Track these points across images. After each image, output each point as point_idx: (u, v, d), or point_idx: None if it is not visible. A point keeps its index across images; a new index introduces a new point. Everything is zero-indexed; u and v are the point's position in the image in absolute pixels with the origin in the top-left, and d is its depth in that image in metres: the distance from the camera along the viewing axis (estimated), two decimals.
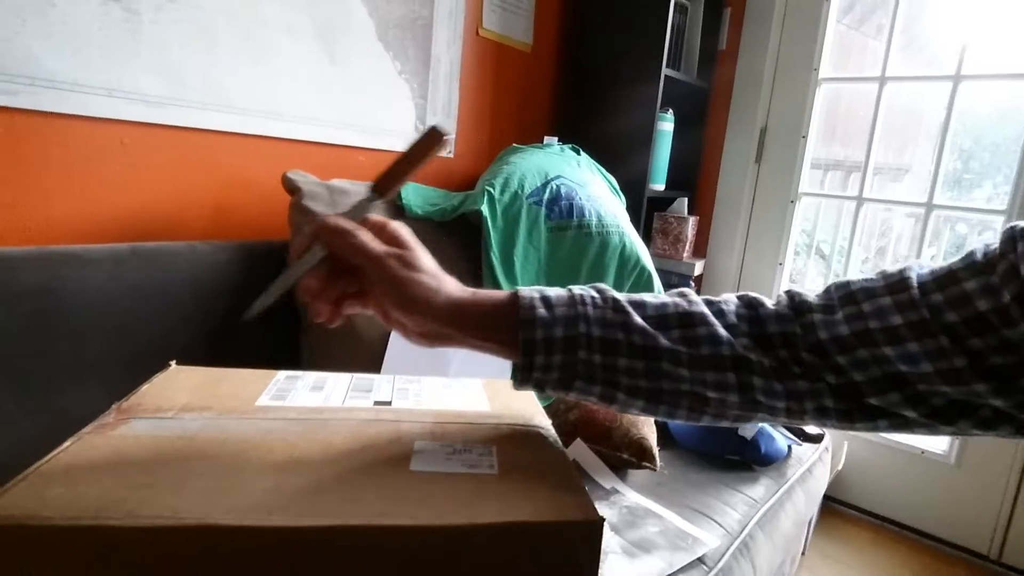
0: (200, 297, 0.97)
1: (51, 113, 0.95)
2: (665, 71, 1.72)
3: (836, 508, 1.94)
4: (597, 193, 1.33)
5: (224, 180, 1.19)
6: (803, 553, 1.63)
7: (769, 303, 0.52)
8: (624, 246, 1.27)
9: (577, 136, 1.63)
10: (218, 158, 1.18)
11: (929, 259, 1.85)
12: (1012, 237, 0.44)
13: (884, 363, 0.46)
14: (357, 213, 0.49)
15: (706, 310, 0.50)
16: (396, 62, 1.45)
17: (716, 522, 1.01)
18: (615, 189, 1.49)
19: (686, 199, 1.97)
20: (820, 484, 1.36)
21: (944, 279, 0.46)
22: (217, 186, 1.19)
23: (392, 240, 0.48)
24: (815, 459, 1.35)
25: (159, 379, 0.56)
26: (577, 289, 0.51)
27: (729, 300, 0.52)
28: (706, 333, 0.49)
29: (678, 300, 0.51)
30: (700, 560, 0.91)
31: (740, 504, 1.09)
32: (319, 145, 1.33)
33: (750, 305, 0.52)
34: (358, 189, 1.16)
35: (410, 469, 0.43)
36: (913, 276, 0.47)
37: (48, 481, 0.37)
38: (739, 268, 2.07)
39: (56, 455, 0.40)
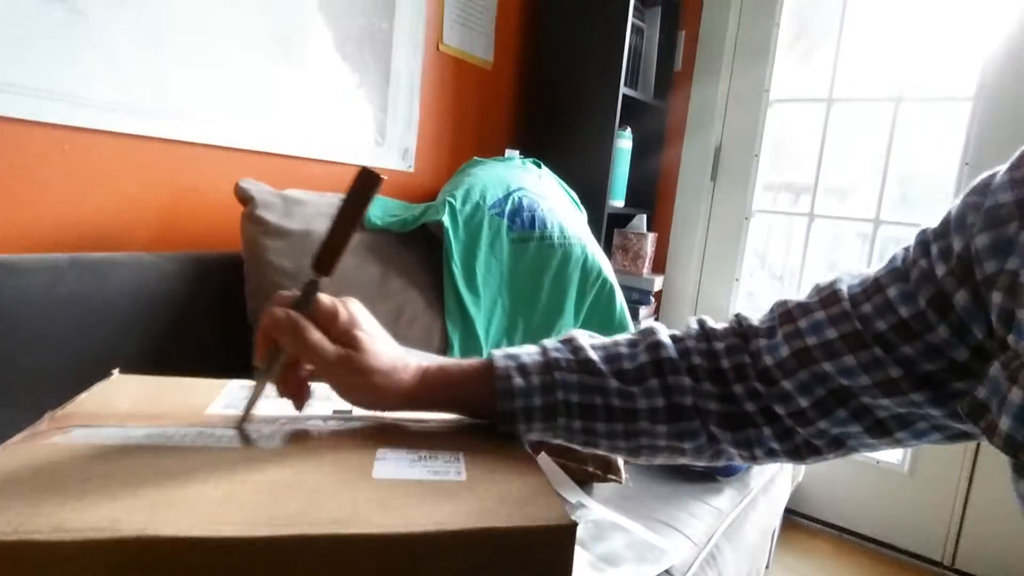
0: (145, 310, 0.93)
1: None
2: (623, 90, 1.75)
3: (797, 521, 1.96)
4: (559, 205, 1.33)
5: (174, 190, 1.15)
6: (767, 567, 1.63)
7: (720, 333, 0.53)
8: (586, 258, 1.27)
9: (538, 152, 1.64)
10: (167, 167, 1.13)
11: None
12: (924, 241, 0.46)
13: (826, 380, 0.47)
14: (305, 299, 0.46)
15: (674, 354, 0.51)
16: (355, 74, 1.43)
17: (682, 533, 1.00)
18: (576, 203, 1.50)
19: (645, 216, 2.00)
20: (783, 494, 1.37)
21: (870, 288, 0.47)
22: (166, 196, 1.14)
23: (342, 337, 0.47)
24: (777, 469, 1.36)
25: (100, 387, 0.52)
26: (552, 351, 0.51)
27: (689, 333, 0.54)
28: (675, 384, 0.50)
29: (647, 348, 0.52)
30: (667, 572, 0.89)
31: (706, 515, 1.08)
32: (274, 156, 1.30)
33: (706, 338, 0.53)
34: (314, 199, 1.13)
35: (372, 477, 0.41)
36: (844, 288, 0.48)
37: None
38: (697, 284, 2.10)
39: None
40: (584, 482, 1.08)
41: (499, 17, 1.81)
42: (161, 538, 0.32)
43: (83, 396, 0.49)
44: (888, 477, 1.83)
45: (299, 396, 0.48)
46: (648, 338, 0.53)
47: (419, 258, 1.18)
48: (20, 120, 0.93)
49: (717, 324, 0.54)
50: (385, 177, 0.47)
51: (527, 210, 1.25)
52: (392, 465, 0.43)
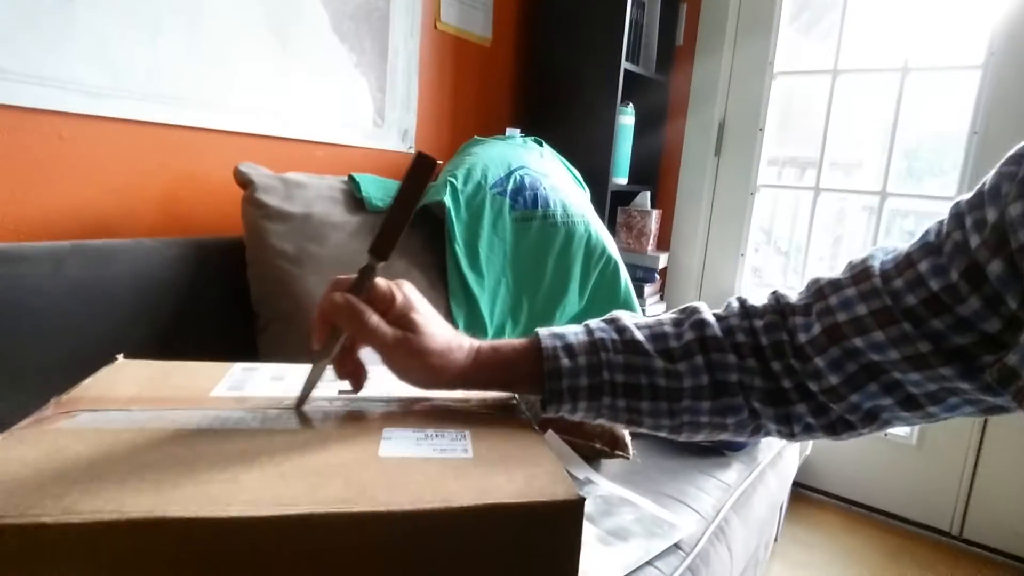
0: (147, 296, 0.92)
1: None
2: (624, 65, 1.72)
3: (805, 494, 1.97)
4: (561, 183, 1.31)
5: (173, 175, 1.14)
6: (776, 539, 1.65)
7: (759, 311, 0.54)
8: (590, 236, 1.27)
9: (539, 130, 1.62)
10: (166, 152, 1.12)
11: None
12: (958, 213, 0.45)
13: (857, 355, 0.47)
14: (362, 283, 0.47)
15: (718, 332, 0.52)
16: (352, 54, 1.42)
17: (691, 508, 1.01)
18: (579, 180, 1.48)
19: (649, 193, 1.98)
20: (791, 467, 1.38)
21: (902, 263, 0.47)
22: (166, 181, 1.13)
23: (399, 320, 0.47)
24: (785, 443, 1.36)
25: (104, 372, 0.52)
26: (597, 331, 0.52)
27: (732, 311, 0.54)
28: (720, 361, 0.51)
29: (691, 326, 0.53)
30: (676, 546, 0.90)
31: (714, 489, 1.09)
32: (273, 139, 1.29)
33: (747, 315, 0.54)
34: (315, 182, 1.12)
35: (379, 455, 0.41)
36: (876, 264, 0.48)
37: None
38: (702, 260, 2.09)
39: None
40: (592, 458, 1.08)
41: None
42: (168, 519, 0.32)
43: (88, 381, 0.49)
44: (896, 449, 1.83)
45: (357, 378, 0.49)
46: (692, 316, 0.53)
47: (421, 239, 1.18)
48: (16, 107, 0.92)
49: (757, 302, 0.55)
50: (440, 161, 0.47)
51: (529, 188, 1.24)
52: (398, 444, 0.42)
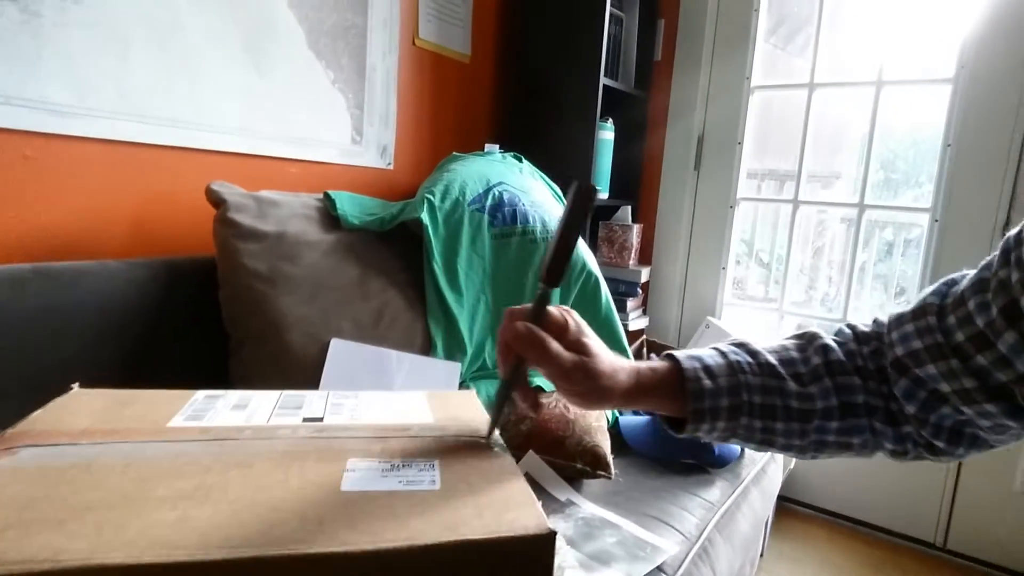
0: (113, 319, 0.90)
1: None
2: (603, 80, 1.73)
3: (790, 508, 1.96)
4: (540, 199, 1.31)
5: (143, 194, 1.12)
6: (761, 555, 1.63)
7: (865, 337, 0.56)
8: None
9: (519, 146, 1.61)
10: (136, 171, 1.10)
11: (861, 264, 1.91)
12: (1006, 249, 0.47)
13: (923, 384, 0.50)
14: (539, 311, 0.49)
15: (841, 356, 0.55)
16: (329, 71, 1.41)
17: (674, 528, 0.99)
18: (558, 196, 1.48)
19: (630, 207, 1.98)
20: (774, 483, 1.37)
21: (957, 299, 0.50)
22: (135, 201, 1.11)
23: (574, 345, 0.50)
24: (768, 458, 1.35)
25: (56, 403, 0.50)
26: (731, 354, 0.55)
27: (847, 337, 0.57)
28: (846, 383, 0.53)
29: (816, 351, 0.55)
30: (659, 569, 0.88)
31: (697, 508, 1.07)
32: (248, 157, 1.27)
33: (858, 341, 0.56)
34: (289, 200, 1.10)
35: (341, 490, 0.39)
36: (937, 300, 0.51)
37: None
38: (684, 274, 2.09)
39: None
40: (574, 479, 1.07)
41: (476, 10, 1.78)
42: (107, 567, 0.30)
43: (37, 413, 0.47)
44: (880, 461, 1.82)
45: (537, 405, 0.52)
46: (815, 342, 0.56)
47: (399, 257, 1.16)
48: None
49: (864, 328, 0.57)
50: (600, 191, 0.48)
51: (508, 204, 1.23)
52: (362, 476, 0.41)
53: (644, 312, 2.10)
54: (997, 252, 0.48)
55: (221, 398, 0.53)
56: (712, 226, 2.03)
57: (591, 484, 1.08)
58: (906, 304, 0.54)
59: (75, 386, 0.53)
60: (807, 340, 0.57)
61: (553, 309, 0.50)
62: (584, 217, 0.49)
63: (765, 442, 0.54)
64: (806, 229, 2.38)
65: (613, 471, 1.07)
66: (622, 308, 1.90)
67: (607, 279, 1.35)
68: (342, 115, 1.46)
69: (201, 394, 0.53)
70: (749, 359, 0.54)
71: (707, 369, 0.53)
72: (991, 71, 1.58)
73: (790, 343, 0.57)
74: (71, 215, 1.03)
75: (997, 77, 1.57)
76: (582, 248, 1.30)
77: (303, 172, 1.39)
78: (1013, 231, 0.47)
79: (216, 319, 1.00)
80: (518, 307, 0.50)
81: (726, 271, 2.03)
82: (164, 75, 1.10)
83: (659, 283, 2.11)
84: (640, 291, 2.00)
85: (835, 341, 0.56)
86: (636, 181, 2.10)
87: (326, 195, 1.16)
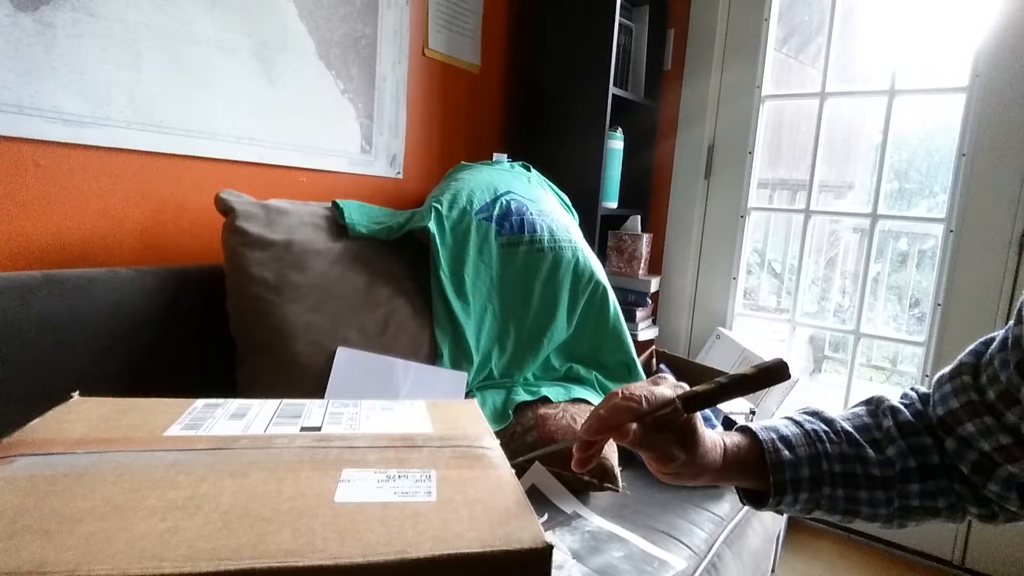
0: (121, 327, 0.90)
1: None
2: (613, 90, 1.73)
3: (802, 523, 1.93)
4: (548, 208, 1.30)
5: (154, 203, 1.13)
6: (772, 571, 1.60)
7: (927, 397, 0.56)
8: (577, 261, 1.25)
9: (528, 155, 1.61)
10: (146, 180, 1.11)
11: (875, 275, 1.88)
12: (1020, 310, 0.47)
13: (967, 444, 0.50)
14: (657, 412, 0.47)
15: (911, 417, 0.54)
16: (339, 81, 1.41)
17: (682, 543, 0.97)
18: (567, 205, 1.47)
19: (639, 217, 1.97)
20: None
21: (989, 359, 0.50)
22: (146, 209, 1.12)
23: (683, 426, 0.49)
24: None
25: (56, 412, 0.50)
26: (806, 423, 0.54)
27: (912, 399, 0.56)
28: (920, 444, 0.53)
29: (886, 413, 0.55)
30: None
31: (706, 523, 1.05)
32: (258, 166, 1.28)
33: (923, 402, 0.56)
34: (297, 208, 1.11)
35: (335, 501, 0.38)
36: (970, 360, 0.52)
37: None
38: (694, 284, 2.08)
39: None
40: (580, 491, 1.05)
41: (485, 20, 1.79)
42: None
43: (35, 422, 0.47)
44: None
45: (591, 462, 0.50)
46: (883, 404, 0.56)
47: (406, 266, 1.16)
48: None
49: (924, 389, 0.57)
50: (794, 377, 0.49)
51: (516, 214, 1.22)
52: (357, 487, 0.40)
53: (654, 322, 2.08)
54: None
55: (220, 407, 0.53)
56: (723, 236, 2.02)
57: (598, 497, 1.07)
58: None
59: (75, 394, 0.53)
60: (875, 404, 0.57)
61: (665, 390, 0.48)
62: (761, 388, 0.49)
63: (849, 512, 0.53)
64: (819, 239, 2.36)
65: (621, 484, 1.05)
66: (631, 318, 1.89)
67: (616, 289, 1.34)
68: (352, 125, 1.46)
69: (200, 403, 0.53)
70: (825, 427, 0.54)
71: (784, 439, 0.53)
72: (1006, 81, 1.56)
73: (860, 409, 0.57)
74: (82, 223, 1.04)
75: (1012, 86, 1.55)
76: (590, 258, 1.29)
77: (313, 181, 1.40)
78: None
79: (224, 328, 1.01)
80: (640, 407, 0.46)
81: (737, 281, 2.01)
82: (176, 85, 1.11)
83: (669, 293, 2.10)
84: (650, 301, 1.99)
85: (902, 403, 0.56)
86: (646, 190, 2.09)
87: (334, 204, 1.16)
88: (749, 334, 2.00)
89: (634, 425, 0.45)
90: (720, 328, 1.98)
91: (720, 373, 1.72)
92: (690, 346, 2.08)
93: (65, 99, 0.98)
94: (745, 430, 0.54)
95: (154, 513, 0.35)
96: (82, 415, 0.49)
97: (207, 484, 0.39)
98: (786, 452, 0.52)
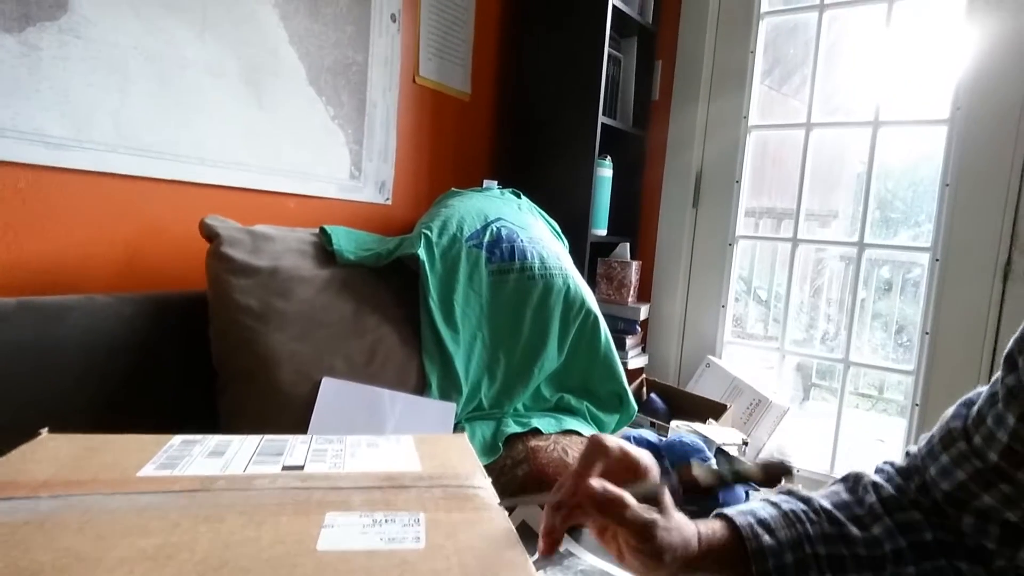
0: (98, 356, 0.87)
1: None
2: (602, 119, 1.74)
3: None
4: (539, 235, 1.29)
5: (138, 228, 1.10)
6: None
7: (907, 471, 0.54)
8: (568, 288, 1.24)
9: (518, 183, 1.61)
10: (131, 204, 1.09)
11: (860, 301, 1.89)
12: (1009, 356, 0.46)
13: (987, 517, 0.48)
14: (651, 497, 0.48)
15: (893, 491, 0.52)
16: (329, 107, 1.41)
17: None
18: (557, 232, 1.47)
19: (628, 244, 1.97)
20: None
21: (977, 418, 0.48)
22: (128, 234, 1.09)
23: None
24: None
25: (21, 451, 0.47)
26: (783, 503, 0.52)
27: (891, 473, 0.54)
28: (909, 521, 0.50)
29: (867, 489, 0.53)
30: None
31: None
32: (246, 191, 1.26)
33: (902, 476, 0.54)
34: (284, 235, 1.09)
35: (316, 549, 0.36)
36: (959, 423, 0.49)
37: None
38: (683, 311, 2.07)
39: None
40: (573, 528, 1.02)
41: (476, 48, 1.80)
42: None
43: None
44: None
45: (555, 548, 0.48)
46: (862, 480, 0.54)
47: (394, 293, 1.14)
48: None
49: (899, 462, 0.55)
50: (797, 470, 0.48)
51: (506, 241, 1.21)
52: (341, 533, 0.38)
53: (643, 350, 2.07)
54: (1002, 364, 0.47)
55: (198, 443, 0.50)
56: (711, 263, 2.02)
57: (591, 534, 1.04)
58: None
59: (44, 431, 0.50)
60: (854, 480, 0.54)
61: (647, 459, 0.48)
62: (756, 481, 0.50)
63: None
64: (804, 267, 2.37)
65: None
66: (621, 346, 1.88)
67: (606, 316, 1.33)
68: (341, 151, 1.46)
69: (177, 439, 0.51)
70: (803, 506, 0.52)
71: (762, 523, 0.50)
72: (986, 113, 1.59)
73: (838, 487, 0.55)
74: (61, 248, 1.01)
75: (992, 118, 1.58)
76: (581, 285, 1.28)
77: (301, 207, 1.38)
78: (1012, 341, 0.46)
79: (206, 356, 0.98)
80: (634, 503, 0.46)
81: (726, 309, 2.01)
82: (163, 109, 1.10)
83: (658, 320, 2.09)
84: (639, 328, 1.98)
85: (881, 479, 0.54)
86: (635, 218, 2.09)
87: (322, 230, 1.15)
88: (739, 362, 1.99)
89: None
90: (710, 356, 1.97)
91: (711, 402, 1.70)
92: (680, 374, 2.06)
93: (48, 121, 0.96)
94: (720, 515, 0.52)
95: (122, 563, 0.33)
96: (49, 454, 0.46)
97: (181, 530, 0.36)
98: (766, 537, 0.49)
